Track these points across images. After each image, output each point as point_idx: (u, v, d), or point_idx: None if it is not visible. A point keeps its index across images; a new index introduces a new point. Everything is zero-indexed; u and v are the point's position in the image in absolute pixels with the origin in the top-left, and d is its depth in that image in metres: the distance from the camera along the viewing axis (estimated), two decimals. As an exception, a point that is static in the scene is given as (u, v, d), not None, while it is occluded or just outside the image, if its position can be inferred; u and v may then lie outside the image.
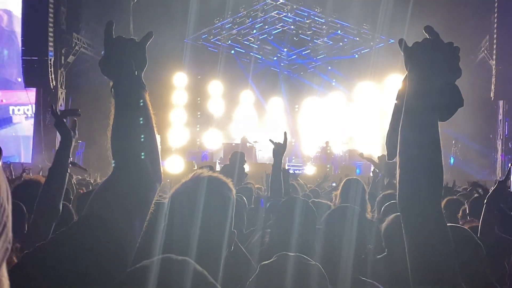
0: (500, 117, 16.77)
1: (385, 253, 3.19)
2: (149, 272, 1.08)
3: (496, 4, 16.08)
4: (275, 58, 23.67)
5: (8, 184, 0.63)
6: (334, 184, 9.49)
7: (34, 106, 18.65)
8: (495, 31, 16.14)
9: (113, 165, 1.37)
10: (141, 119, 1.44)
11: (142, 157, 1.39)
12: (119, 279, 1.11)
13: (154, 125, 1.49)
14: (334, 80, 22.94)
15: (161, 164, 1.48)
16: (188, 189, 1.70)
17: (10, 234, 0.60)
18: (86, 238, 1.19)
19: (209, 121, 22.81)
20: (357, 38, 21.17)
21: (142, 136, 1.42)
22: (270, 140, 4.65)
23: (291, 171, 10.74)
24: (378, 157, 8.74)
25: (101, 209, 1.26)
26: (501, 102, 16.83)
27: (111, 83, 1.50)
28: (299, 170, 18.02)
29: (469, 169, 15.72)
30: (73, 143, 2.87)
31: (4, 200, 0.58)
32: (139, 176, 1.36)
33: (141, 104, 1.47)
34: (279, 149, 4.39)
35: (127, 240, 1.24)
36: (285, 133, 4.52)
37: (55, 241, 1.21)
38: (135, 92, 1.48)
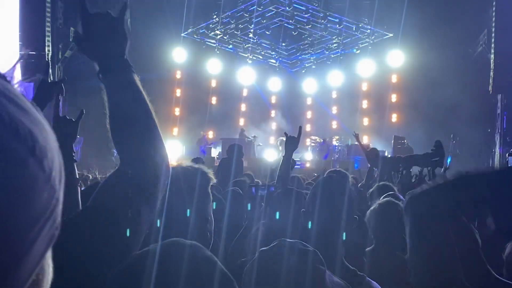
0: (499, 111, 16.78)
1: (373, 246, 3.20)
2: (156, 256, 1.05)
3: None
4: (273, 53, 23.61)
5: (63, 165, 0.58)
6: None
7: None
8: (493, 24, 16.14)
9: (116, 156, 1.33)
10: (138, 104, 1.37)
11: (146, 145, 1.33)
12: (126, 263, 1.09)
13: (151, 108, 1.41)
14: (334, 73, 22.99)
15: (165, 147, 1.40)
16: None
17: (59, 220, 0.57)
18: (90, 227, 1.17)
19: (208, 117, 22.82)
20: (357, 33, 21.14)
21: (142, 122, 1.35)
22: (285, 133, 4.73)
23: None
24: (370, 149, 8.67)
25: (106, 201, 1.23)
26: (499, 96, 16.83)
27: (96, 65, 1.42)
28: (298, 164, 18.02)
29: (467, 163, 15.73)
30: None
31: (55, 180, 0.54)
32: (145, 166, 1.31)
33: (136, 88, 1.39)
34: (293, 142, 4.42)
35: (133, 231, 1.22)
36: (300, 128, 4.57)
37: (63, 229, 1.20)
38: (127, 76, 1.39)
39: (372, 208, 3.27)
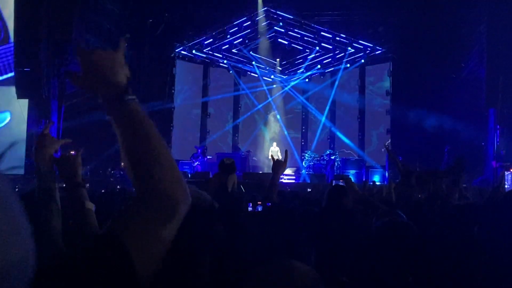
0: (491, 124, 16.87)
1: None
2: None
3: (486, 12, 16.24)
4: (267, 70, 23.71)
5: None
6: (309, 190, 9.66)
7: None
8: (485, 39, 16.29)
9: (113, 173, 1.30)
10: (152, 138, 1.33)
11: (163, 180, 1.29)
12: None
13: (162, 140, 1.37)
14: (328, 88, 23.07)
15: (183, 181, 1.35)
16: None
17: None
18: (102, 257, 1.14)
19: (204, 132, 22.89)
20: (349, 48, 21.30)
21: (158, 156, 1.32)
22: (272, 156, 4.79)
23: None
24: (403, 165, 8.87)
25: (122, 232, 1.19)
26: (491, 110, 16.93)
27: (101, 101, 1.37)
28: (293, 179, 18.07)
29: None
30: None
31: None
32: (161, 203, 1.28)
33: (146, 118, 1.36)
34: (278, 167, 4.44)
35: (144, 264, 1.18)
36: (286, 152, 4.65)
37: (73, 256, 1.19)
38: (134, 107, 1.35)
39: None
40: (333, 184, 5.23)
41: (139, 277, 1.17)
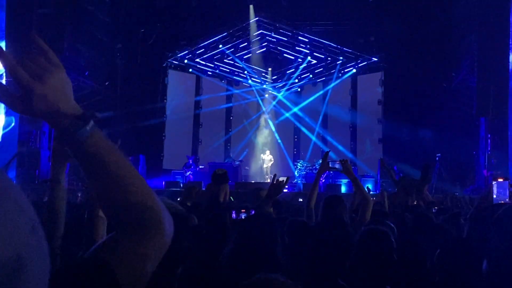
0: (483, 133, 16.95)
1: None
2: None
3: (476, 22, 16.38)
4: (259, 79, 23.74)
5: None
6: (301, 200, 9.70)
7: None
8: (475, 49, 16.41)
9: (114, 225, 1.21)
10: (120, 169, 1.17)
11: (136, 208, 1.19)
12: None
13: (131, 167, 1.20)
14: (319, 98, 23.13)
15: (159, 203, 1.23)
16: None
17: None
18: (90, 282, 1.12)
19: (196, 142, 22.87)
20: (341, 58, 21.40)
21: (129, 186, 1.18)
22: (275, 175, 4.77)
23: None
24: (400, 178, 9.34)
25: (110, 256, 1.15)
26: (482, 119, 17.03)
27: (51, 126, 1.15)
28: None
29: (453, 185, 15.83)
30: None
31: None
32: (142, 229, 1.19)
33: (111, 151, 1.18)
34: (276, 190, 4.44)
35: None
36: (287, 178, 4.73)
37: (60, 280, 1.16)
38: (96, 140, 1.15)
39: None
40: (330, 166, 5.26)
41: None
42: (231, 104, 24.27)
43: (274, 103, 24.05)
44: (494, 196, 4.21)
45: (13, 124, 17.17)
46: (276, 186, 4.45)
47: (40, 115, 1.10)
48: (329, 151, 5.46)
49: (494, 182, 4.13)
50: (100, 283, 1.11)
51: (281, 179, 4.56)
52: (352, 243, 2.73)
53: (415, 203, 8.11)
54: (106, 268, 1.12)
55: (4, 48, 1.04)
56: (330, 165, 5.34)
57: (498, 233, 2.22)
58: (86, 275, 1.12)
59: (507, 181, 4.26)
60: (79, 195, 7.91)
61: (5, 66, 1.03)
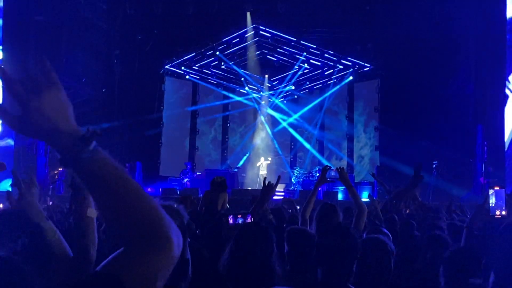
0: (479, 141, 16.98)
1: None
2: None
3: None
4: (256, 86, 23.76)
5: None
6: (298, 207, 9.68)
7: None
8: (472, 56, 16.48)
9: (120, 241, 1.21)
10: (124, 187, 1.17)
11: (144, 225, 1.18)
12: None
13: (134, 184, 1.19)
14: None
15: (167, 219, 1.22)
16: None
17: None
18: None
19: (193, 149, 22.86)
20: (338, 65, 21.43)
21: (135, 204, 1.18)
22: (264, 178, 4.88)
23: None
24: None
25: (121, 270, 1.15)
26: (479, 126, 17.06)
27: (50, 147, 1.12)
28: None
29: (450, 193, 15.82)
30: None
31: None
32: (151, 244, 1.19)
33: (114, 171, 1.17)
34: (268, 190, 4.57)
35: None
36: (279, 177, 4.99)
37: None
38: (98, 161, 1.14)
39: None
40: (326, 171, 5.34)
41: None
42: (228, 112, 24.26)
43: (270, 110, 24.04)
44: (492, 205, 4.19)
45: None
46: (267, 187, 4.54)
47: (39, 134, 1.10)
48: (330, 167, 5.54)
49: (491, 192, 4.11)
50: None
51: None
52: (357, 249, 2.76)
53: (408, 211, 8.11)
54: (118, 283, 1.12)
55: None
56: (327, 175, 5.38)
57: (502, 248, 2.23)
58: None
59: (504, 190, 4.24)
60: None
61: (2, 80, 1.03)
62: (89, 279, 1.21)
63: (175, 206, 1.84)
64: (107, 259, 1.19)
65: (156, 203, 1.22)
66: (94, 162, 1.13)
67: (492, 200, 4.26)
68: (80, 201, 2.50)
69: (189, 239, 1.85)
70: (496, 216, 4.14)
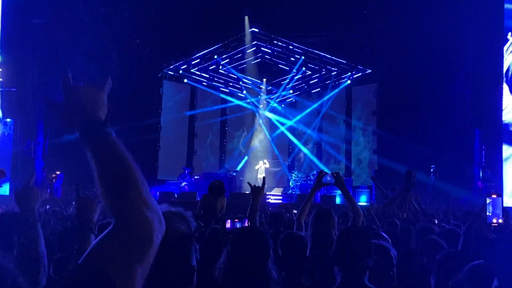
0: (477, 145, 17.00)
1: None
2: None
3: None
4: (254, 90, 23.78)
5: None
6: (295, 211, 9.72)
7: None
8: (470, 61, 16.51)
9: (112, 219, 1.28)
10: (129, 170, 1.34)
11: (138, 202, 1.30)
12: None
13: (138, 171, 1.36)
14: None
15: (155, 201, 1.36)
16: None
17: None
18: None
19: (191, 152, 22.86)
20: (336, 69, 21.47)
21: (132, 182, 1.32)
22: (249, 183, 5.09)
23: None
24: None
25: (102, 260, 1.21)
26: (477, 131, 17.09)
27: (77, 132, 1.39)
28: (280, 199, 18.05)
29: (447, 197, 15.83)
30: None
31: None
32: (138, 224, 1.28)
33: (121, 149, 1.37)
34: (256, 192, 4.68)
35: None
36: (263, 178, 5.15)
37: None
38: (109, 138, 1.37)
39: None
40: (322, 176, 5.38)
41: None
42: (226, 116, 24.27)
43: (268, 113, 24.06)
44: (489, 214, 4.21)
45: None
46: (254, 190, 4.67)
47: (74, 120, 1.39)
48: (326, 173, 5.57)
49: (488, 201, 4.11)
50: None
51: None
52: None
53: (404, 215, 8.15)
54: (102, 273, 1.17)
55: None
56: (323, 180, 5.40)
57: (506, 253, 2.23)
58: (84, 283, 1.17)
59: (501, 198, 4.25)
60: (74, 203, 7.89)
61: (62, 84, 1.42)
62: (74, 274, 1.23)
63: (183, 213, 1.87)
64: (86, 251, 1.24)
65: (145, 186, 1.36)
66: (107, 140, 1.36)
67: (490, 209, 4.28)
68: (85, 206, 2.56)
69: (197, 246, 1.86)
70: (493, 224, 4.17)
